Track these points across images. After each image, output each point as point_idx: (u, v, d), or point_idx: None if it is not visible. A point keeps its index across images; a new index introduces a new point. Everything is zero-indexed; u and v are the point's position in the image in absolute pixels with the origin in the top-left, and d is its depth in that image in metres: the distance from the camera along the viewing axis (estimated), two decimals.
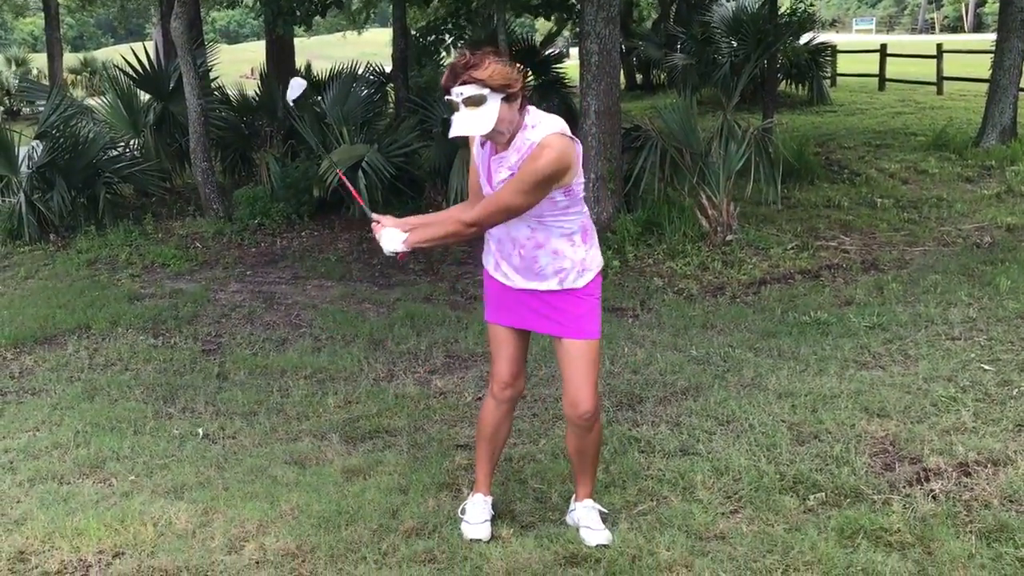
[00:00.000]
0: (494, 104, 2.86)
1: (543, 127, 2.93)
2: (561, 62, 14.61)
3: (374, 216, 3.13)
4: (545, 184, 2.92)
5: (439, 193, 9.44)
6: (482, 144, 3.11)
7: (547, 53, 14.49)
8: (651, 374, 5.05)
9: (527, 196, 2.92)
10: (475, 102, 2.85)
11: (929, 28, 61.30)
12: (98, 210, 9.23)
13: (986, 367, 4.78)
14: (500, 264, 3.23)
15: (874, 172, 10.66)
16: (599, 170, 8.02)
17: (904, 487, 3.58)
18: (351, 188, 3.52)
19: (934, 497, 3.48)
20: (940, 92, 18.70)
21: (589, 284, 3.14)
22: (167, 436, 4.48)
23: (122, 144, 10.74)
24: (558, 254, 3.09)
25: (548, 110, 3.11)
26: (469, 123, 2.87)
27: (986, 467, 3.68)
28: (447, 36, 12.19)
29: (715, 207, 7.67)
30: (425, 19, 14.93)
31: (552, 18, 13.73)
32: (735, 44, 13.38)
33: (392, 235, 3.06)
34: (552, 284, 3.13)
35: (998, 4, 12.96)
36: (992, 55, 11.84)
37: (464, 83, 2.84)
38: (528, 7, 11.82)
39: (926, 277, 6.50)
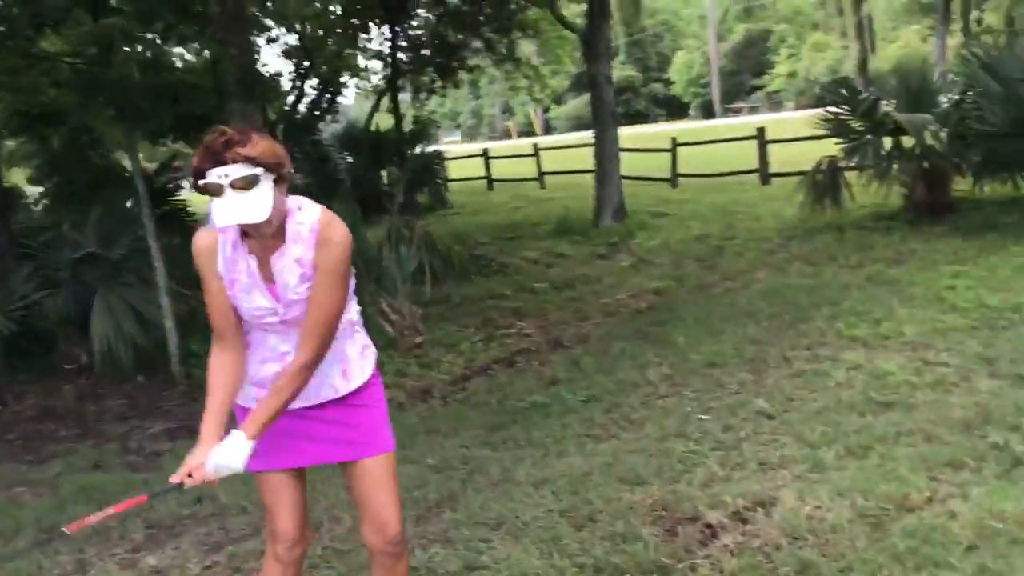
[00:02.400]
0: (267, 185, 2.36)
1: (308, 207, 2.51)
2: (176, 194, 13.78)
3: (185, 478, 2.42)
4: (348, 271, 2.54)
5: (77, 344, 8.21)
6: (233, 247, 2.51)
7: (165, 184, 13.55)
8: None
9: (343, 290, 2.52)
10: (246, 184, 2.32)
11: (506, 134, 68.06)
12: None
13: (704, 417, 5.03)
14: (259, 391, 2.63)
15: (519, 261, 11.27)
16: None
17: (699, 549, 3.54)
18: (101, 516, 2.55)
19: (731, 552, 3.48)
20: (543, 186, 20.58)
21: (373, 380, 2.75)
22: None
23: None
24: (341, 353, 2.66)
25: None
26: (241, 209, 2.32)
27: (757, 511, 3.77)
28: None
29: (396, 311, 7.49)
30: None
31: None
32: (351, 159, 13.63)
33: (229, 451, 2.41)
34: (339, 386, 2.67)
35: (590, 105, 14.58)
36: (594, 147, 13.24)
37: (229, 162, 2.32)
38: None
39: (612, 346, 6.83)
